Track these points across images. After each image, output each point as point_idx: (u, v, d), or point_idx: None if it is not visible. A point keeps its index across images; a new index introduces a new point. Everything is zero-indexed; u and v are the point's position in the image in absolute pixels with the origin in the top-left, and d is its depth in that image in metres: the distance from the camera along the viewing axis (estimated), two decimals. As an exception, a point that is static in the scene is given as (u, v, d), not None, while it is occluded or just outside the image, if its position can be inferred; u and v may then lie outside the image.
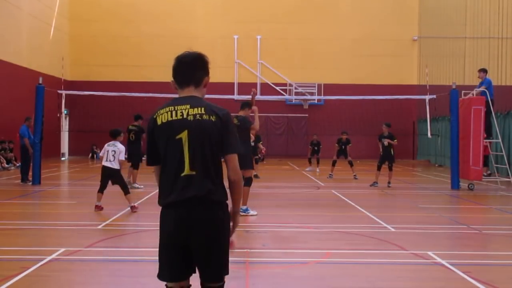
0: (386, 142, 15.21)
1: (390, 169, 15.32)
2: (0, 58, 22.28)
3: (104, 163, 9.96)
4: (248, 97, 12.27)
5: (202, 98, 3.29)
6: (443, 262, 6.34)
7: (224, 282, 3.29)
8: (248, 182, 9.64)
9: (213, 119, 3.13)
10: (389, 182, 15.26)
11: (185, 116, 3.14)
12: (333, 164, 18.26)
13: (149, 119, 3.28)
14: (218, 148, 3.16)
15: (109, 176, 10.04)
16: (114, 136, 10.17)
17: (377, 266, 6.35)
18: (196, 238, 3.10)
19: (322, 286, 5.49)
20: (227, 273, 3.27)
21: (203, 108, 3.16)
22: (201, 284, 3.24)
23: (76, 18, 30.16)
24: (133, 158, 13.99)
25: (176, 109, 3.18)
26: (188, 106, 3.17)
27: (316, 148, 20.87)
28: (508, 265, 6.46)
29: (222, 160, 3.22)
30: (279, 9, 30.27)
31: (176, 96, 3.38)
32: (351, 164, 18.00)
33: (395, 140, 15.39)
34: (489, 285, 5.44)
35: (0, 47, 22.33)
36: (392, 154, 15.34)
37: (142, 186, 13.80)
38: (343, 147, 18.15)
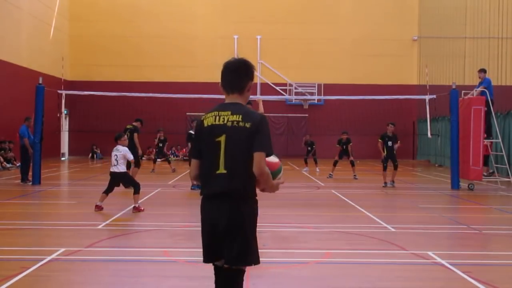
0: (396, 147, 15.20)
1: (396, 168, 15.34)
2: (0, 58, 22.29)
3: (111, 168, 10.27)
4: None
5: (243, 104, 3.68)
6: (443, 262, 6.34)
7: (244, 270, 3.58)
8: None
9: (247, 126, 3.50)
10: (392, 181, 15.26)
11: (225, 122, 3.55)
12: (334, 164, 18.26)
13: (198, 120, 3.78)
14: (251, 151, 3.50)
15: (116, 180, 10.26)
16: (115, 140, 10.46)
17: (377, 266, 6.35)
18: (223, 227, 3.50)
19: (322, 286, 5.49)
20: (256, 262, 3.56)
21: (241, 116, 3.54)
22: (224, 267, 3.59)
23: (76, 18, 30.16)
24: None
25: (219, 114, 3.61)
26: (229, 113, 3.58)
27: (309, 148, 20.83)
28: (508, 265, 6.46)
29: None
30: (279, 9, 30.27)
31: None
32: (352, 164, 17.99)
33: (399, 142, 15.43)
34: (489, 285, 5.44)
35: (0, 47, 22.33)
36: (395, 153, 15.35)
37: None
38: (344, 147, 18.14)
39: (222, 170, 3.53)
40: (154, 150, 22.34)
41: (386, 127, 15.60)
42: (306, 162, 21.05)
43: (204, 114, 3.78)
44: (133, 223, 9.05)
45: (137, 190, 10.09)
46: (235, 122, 3.55)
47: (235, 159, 3.52)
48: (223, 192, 3.53)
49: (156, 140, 20.91)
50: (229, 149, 3.53)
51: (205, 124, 3.66)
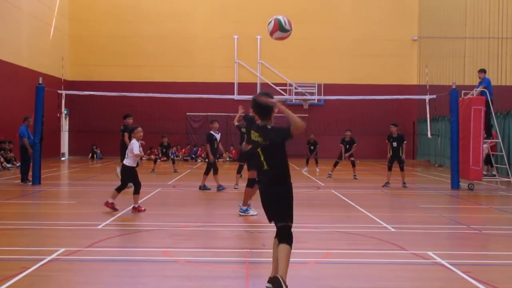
0: (403, 155, 15.20)
1: (402, 169, 15.32)
2: (0, 58, 22.29)
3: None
4: (249, 97, 12.23)
5: (269, 124, 5.13)
6: (443, 262, 6.34)
7: (289, 225, 5.25)
8: (251, 183, 9.64)
9: (268, 142, 5.07)
10: (404, 183, 15.18)
11: (258, 139, 5.16)
12: (335, 164, 18.21)
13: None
14: (280, 154, 5.15)
15: (124, 173, 10.23)
16: (129, 133, 10.72)
17: (377, 266, 6.35)
18: (271, 200, 5.23)
19: (322, 286, 5.49)
20: (292, 222, 5.29)
21: (263, 136, 5.09)
22: (276, 226, 5.26)
23: (76, 18, 30.16)
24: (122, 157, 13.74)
25: (256, 133, 5.18)
26: (257, 134, 5.15)
27: (312, 147, 20.79)
28: (508, 265, 6.46)
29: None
30: (279, 9, 30.23)
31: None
32: (353, 164, 17.96)
33: (405, 142, 15.43)
34: (489, 285, 5.44)
35: (0, 47, 22.33)
36: (401, 154, 15.31)
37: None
38: (347, 146, 18.04)
39: (266, 167, 5.26)
40: (158, 153, 22.53)
41: (390, 128, 15.64)
42: (307, 162, 21.03)
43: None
44: (133, 223, 9.05)
45: (137, 190, 10.08)
46: (263, 140, 5.25)
47: (271, 161, 5.27)
48: (268, 179, 5.25)
49: (160, 148, 21.26)
50: (265, 157, 5.26)
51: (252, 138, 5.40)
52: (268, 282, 5.08)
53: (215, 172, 13.85)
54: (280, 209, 5.27)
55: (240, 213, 9.65)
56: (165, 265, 6.23)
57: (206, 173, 13.92)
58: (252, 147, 5.54)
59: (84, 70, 30.11)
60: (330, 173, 18.13)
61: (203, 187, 13.80)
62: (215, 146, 13.95)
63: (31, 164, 15.00)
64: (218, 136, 14.00)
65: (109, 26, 30.14)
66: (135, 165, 10.17)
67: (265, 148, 5.09)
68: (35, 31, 25.75)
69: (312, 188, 14.78)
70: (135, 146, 10.07)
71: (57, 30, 28.36)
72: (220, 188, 13.63)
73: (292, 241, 5.17)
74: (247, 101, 32.43)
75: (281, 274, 4.87)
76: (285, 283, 4.80)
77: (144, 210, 9.98)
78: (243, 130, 12.23)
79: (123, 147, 13.69)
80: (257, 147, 5.17)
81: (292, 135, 4.84)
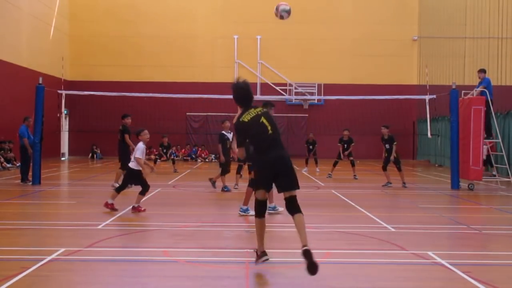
0: (392, 156, 15.21)
1: (399, 169, 15.32)
2: (0, 58, 22.29)
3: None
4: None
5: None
6: (443, 262, 6.34)
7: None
8: (252, 183, 9.64)
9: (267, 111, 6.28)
10: (403, 183, 15.18)
11: (257, 112, 6.17)
12: (334, 164, 18.21)
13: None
14: (275, 121, 6.15)
15: (130, 176, 10.16)
16: (136, 135, 10.36)
17: (377, 266, 6.35)
18: (287, 168, 5.87)
19: (322, 286, 5.49)
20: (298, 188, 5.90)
21: (262, 108, 6.36)
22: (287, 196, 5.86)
23: (76, 18, 30.16)
24: (121, 158, 13.64)
25: (255, 110, 6.17)
26: (258, 109, 6.18)
27: (311, 147, 20.77)
28: (508, 265, 6.46)
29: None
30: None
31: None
32: (352, 164, 17.95)
33: (395, 143, 15.37)
34: (489, 285, 5.44)
35: (0, 47, 22.33)
36: (395, 155, 15.29)
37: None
38: (345, 145, 18.07)
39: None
40: (157, 152, 22.40)
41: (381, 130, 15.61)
42: (306, 162, 21.02)
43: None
44: (133, 223, 9.05)
45: (144, 191, 10.04)
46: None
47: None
48: (280, 154, 6.09)
49: (160, 149, 21.17)
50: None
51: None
52: (264, 255, 5.90)
53: (224, 173, 13.78)
54: (294, 175, 5.86)
55: (240, 213, 9.65)
56: (165, 265, 6.23)
57: (223, 174, 13.87)
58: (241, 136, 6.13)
59: (84, 70, 30.11)
60: (330, 173, 18.13)
61: (225, 189, 13.74)
62: (228, 146, 13.76)
63: (31, 164, 15.01)
64: (230, 135, 13.73)
65: (109, 26, 30.14)
66: (140, 168, 10.09)
67: (268, 116, 6.01)
68: (35, 31, 25.75)
69: (312, 188, 14.78)
70: (139, 150, 10.00)
71: (57, 30, 28.36)
72: (225, 189, 13.63)
73: None
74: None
75: (307, 243, 5.42)
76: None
77: (144, 210, 9.97)
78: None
79: (122, 148, 13.70)
80: (259, 118, 5.95)
81: None
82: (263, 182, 5.92)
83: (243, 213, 9.64)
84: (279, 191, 5.94)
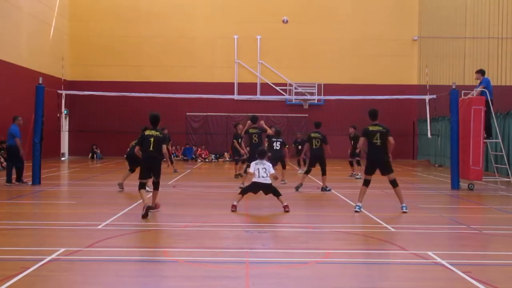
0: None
1: (358, 163, 15.67)
2: (0, 58, 22.29)
3: None
4: (248, 97, 13.26)
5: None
6: (443, 262, 6.34)
7: None
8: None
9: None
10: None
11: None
12: (356, 163, 18.08)
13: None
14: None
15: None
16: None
17: (377, 266, 6.35)
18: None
19: (322, 286, 5.49)
20: None
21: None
22: None
23: (76, 18, 30.16)
24: (129, 159, 13.49)
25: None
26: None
27: (300, 147, 20.69)
28: (508, 265, 6.46)
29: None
30: (279, 9, 30.24)
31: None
32: (358, 163, 17.83)
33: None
34: (489, 285, 5.44)
35: (0, 47, 22.33)
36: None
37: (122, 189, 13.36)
38: (352, 142, 17.91)
39: None
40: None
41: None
42: (299, 164, 20.84)
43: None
44: (133, 223, 9.05)
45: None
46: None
47: None
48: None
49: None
50: None
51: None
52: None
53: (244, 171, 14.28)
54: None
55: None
56: (164, 265, 6.23)
57: (246, 171, 14.07)
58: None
59: (84, 70, 30.11)
60: (354, 173, 17.96)
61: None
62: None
63: (21, 165, 14.76)
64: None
65: (109, 26, 30.14)
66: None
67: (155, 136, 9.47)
68: (35, 31, 25.74)
69: (312, 188, 14.78)
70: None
71: (57, 30, 28.36)
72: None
73: None
74: (247, 101, 32.35)
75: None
76: None
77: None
78: (251, 131, 14.62)
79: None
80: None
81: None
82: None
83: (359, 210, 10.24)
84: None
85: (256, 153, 10.87)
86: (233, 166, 19.00)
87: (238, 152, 17.45)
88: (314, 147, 14.04)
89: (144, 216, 9.19)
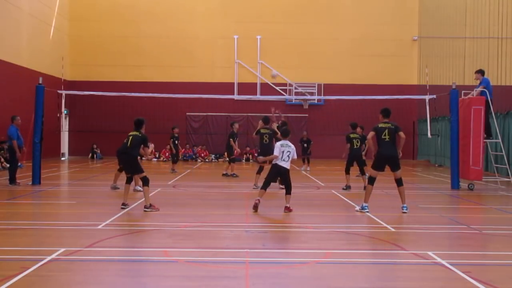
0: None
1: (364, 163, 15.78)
2: (0, 58, 22.29)
3: None
4: (248, 97, 13.34)
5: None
6: (443, 262, 6.34)
7: None
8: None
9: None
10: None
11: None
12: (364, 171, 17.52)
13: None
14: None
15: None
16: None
17: (377, 266, 6.35)
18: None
19: (322, 286, 5.49)
20: None
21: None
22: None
23: (76, 18, 30.16)
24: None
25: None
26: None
27: (306, 145, 20.66)
28: (508, 265, 6.46)
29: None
30: (279, 9, 30.27)
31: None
32: (364, 163, 17.55)
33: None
34: (489, 285, 5.44)
35: (0, 47, 22.33)
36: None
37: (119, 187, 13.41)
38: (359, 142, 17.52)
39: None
40: (171, 147, 20.39)
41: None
42: (303, 161, 20.93)
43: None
44: (133, 223, 9.05)
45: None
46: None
47: None
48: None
49: (172, 141, 19.70)
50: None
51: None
52: None
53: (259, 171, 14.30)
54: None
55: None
56: (165, 265, 6.23)
57: (259, 172, 14.26)
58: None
59: (84, 70, 30.11)
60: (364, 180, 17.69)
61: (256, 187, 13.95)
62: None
63: (15, 167, 14.62)
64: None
65: (109, 26, 30.14)
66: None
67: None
68: (35, 31, 25.74)
69: (312, 188, 14.78)
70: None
71: (57, 30, 28.36)
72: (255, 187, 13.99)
73: None
74: (247, 101, 32.32)
75: None
76: None
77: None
78: (263, 131, 14.78)
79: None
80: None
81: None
82: None
83: (363, 210, 10.27)
84: None
85: (281, 132, 11.25)
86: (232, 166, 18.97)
87: (231, 151, 17.75)
88: (355, 147, 14.59)
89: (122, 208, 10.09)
